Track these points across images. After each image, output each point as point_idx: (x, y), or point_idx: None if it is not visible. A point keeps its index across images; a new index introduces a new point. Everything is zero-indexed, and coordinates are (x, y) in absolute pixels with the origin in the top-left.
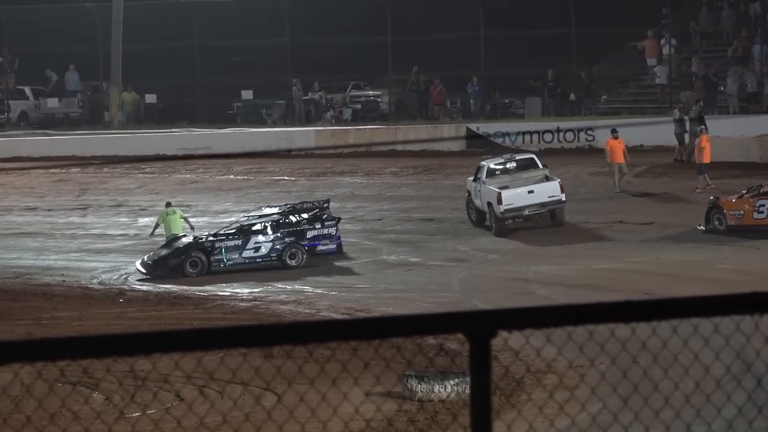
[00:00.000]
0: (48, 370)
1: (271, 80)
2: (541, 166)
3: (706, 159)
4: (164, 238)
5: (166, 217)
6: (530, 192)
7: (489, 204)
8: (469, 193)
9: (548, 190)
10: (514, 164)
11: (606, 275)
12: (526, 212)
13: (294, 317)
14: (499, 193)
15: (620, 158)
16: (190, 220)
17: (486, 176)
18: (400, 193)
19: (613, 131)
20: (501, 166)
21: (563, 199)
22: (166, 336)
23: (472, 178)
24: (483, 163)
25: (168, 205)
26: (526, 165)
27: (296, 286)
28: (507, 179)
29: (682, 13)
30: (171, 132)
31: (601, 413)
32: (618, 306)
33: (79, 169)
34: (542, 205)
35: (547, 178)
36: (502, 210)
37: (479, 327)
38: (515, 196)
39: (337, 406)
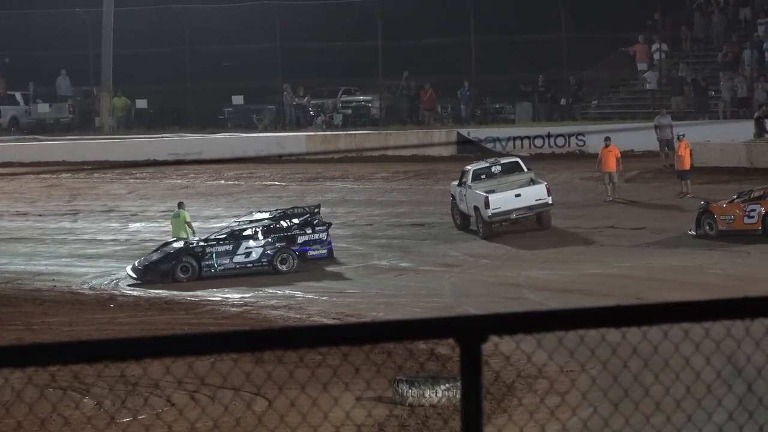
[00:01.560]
0: (39, 376)
1: (262, 85)
2: (525, 170)
3: (687, 165)
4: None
5: (173, 219)
6: (517, 195)
7: (476, 208)
8: (454, 198)
9: (535, 194)
10: (499, 168)
11: (597, 280)
12: (514, 216)
13: (285, 322)
14: (487, 198)
15: (611, 167)
16: (193, 225)
17: (471, 180)
18: (390, 198)
19: (606, 139)
20: (486, 171)
21: (550, 201)
22: (157, 341)
23: (456, 183)
24: (468, 167)
25: (179, 205)
26: (511, 168)
27: (287, 291)
28: (493, 183)
29: (672, 18)
30: (162, 137)
31: (592, 418)
32: (609, 311)
33: (69, 175)
34: (529, 208)
35: (532, 182)
36: (490, 214)
37: (470, 332)
38: (502, 200)
39: (328, 411)
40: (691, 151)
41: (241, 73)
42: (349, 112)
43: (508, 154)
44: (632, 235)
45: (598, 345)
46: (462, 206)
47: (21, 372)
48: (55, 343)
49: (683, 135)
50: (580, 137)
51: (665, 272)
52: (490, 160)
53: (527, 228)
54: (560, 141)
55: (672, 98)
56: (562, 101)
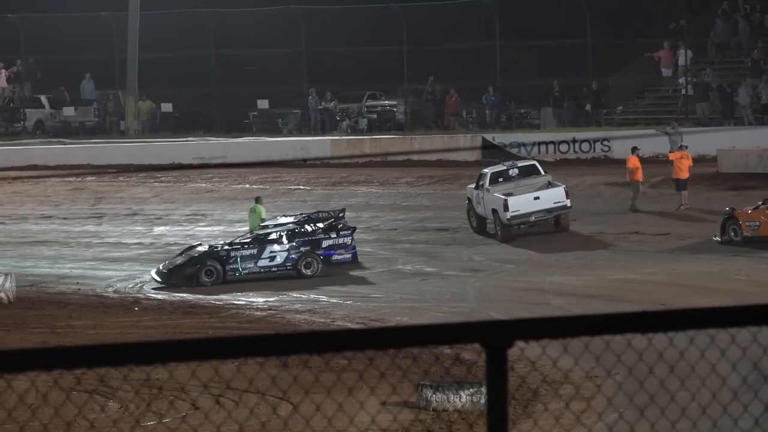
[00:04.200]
0: (64, 379)
1: (287, 89)
2: (543, 173)
3: (685, 174)
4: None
5: (250, 214)
6: (536, 198)
7: (494, 211)
8: (470, 201)
9: (554, 196)
10: (516, 171)
11: (621, 286)
12: (533, 218)
13: (309, 327)
14: (506, 200)
15: (636, 176)
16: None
17: (489, 183)
18: (415, 203)
19: (633, 149)
20: (504, 173)
21: (568, 204)
22: (183, 345)
23: (473, 186)
24: (485, 170)
25: (257, 200)
26: (528, 171)
27: (311, 296)
28: (511, 186)
29: (698, 24)
30: (187, 141)
31: (617, 424)
32: (634, 317)
33: (94, 178)
34: (548, 211)
35: (550, 184)
36: (509, 217)
37: (496, 337)
38: (521, 203)
39: (354, 415)
40: (690, 163)
41: (267, 77)
42: (374, 116)
43: (524, 158)
44: (657, 240)
45: (624, 350)
46: (479, 209)
47: (47, 375)
48: (81, 346)
49: (686, 146)
50: (605, 143)
51: (690, 278)
52: (507, 162)
53: (546, 231)
54: (585, 146)
55: (697, 104)
56: (587, 107)
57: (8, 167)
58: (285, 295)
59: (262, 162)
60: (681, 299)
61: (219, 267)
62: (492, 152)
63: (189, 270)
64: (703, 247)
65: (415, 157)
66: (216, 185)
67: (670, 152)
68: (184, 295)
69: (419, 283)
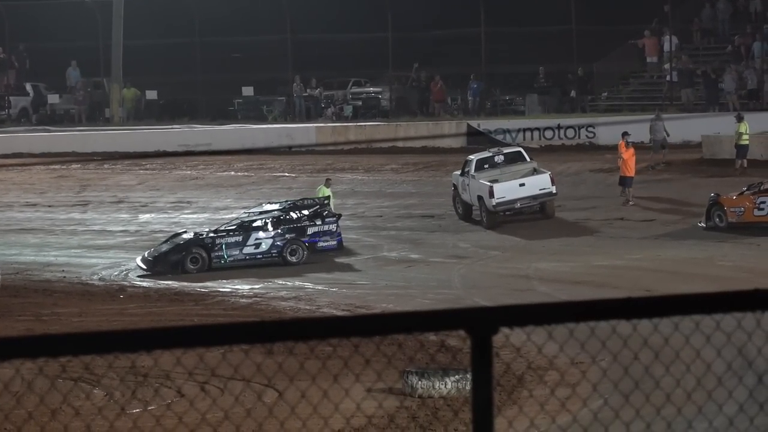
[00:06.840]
0: (49, 366)
1: (272, 77)
2: (528, 159)
3: (631, 172)
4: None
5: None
6: (521, 185)
7: (480, 198)
8: (456, 187)
9: (539, 183)
10: (502, 158)
11: (606, 272)
12: (518, 205)
13: (295, 314)
14: (491, 187)
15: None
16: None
17: (475, 170)
18: (400, 190)
19: (624, 134)
20: (489, 160)
21: (554, 191)
22: (167, 332)
23: (458, 172)
24: (471, 157)
25: (326, 181)
26: (514, 158)
27: (297, 283)
28: (496, 173)
29: (682, 10)
30: (171, 128)
31: (602, 410)
32: (619, 303)
33: (79, 166)
34: (534, 197)
35: (536, 171)
36: (495, 203)
37: (481, 324)
38: (507, 189)
39: (339, 402)
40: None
41: (252, 64)
42: (359, 103)
43: (510, 144)
44: (642, 227)
45: (609, 337)
46: (465, 196)
47: (31, 363)
48: (66, 334)
49: (630, 143)
50: (590, 129)
51: (675, 264)
52: (492, 149)
53: (531, 217)
54: (570, 133)
55: (682, 90)
56: (572, 93)
57: None
58: (270, 282)
59: (247, 149)
60: (666, 285)
61: (204, 254)
62: (477, 139)
63: (174, 257)
64: (688, 234)
65: (400, 144)
66: (201, 172)
67: (650, 142)
68: (170, 282)
69: (405, 269)
